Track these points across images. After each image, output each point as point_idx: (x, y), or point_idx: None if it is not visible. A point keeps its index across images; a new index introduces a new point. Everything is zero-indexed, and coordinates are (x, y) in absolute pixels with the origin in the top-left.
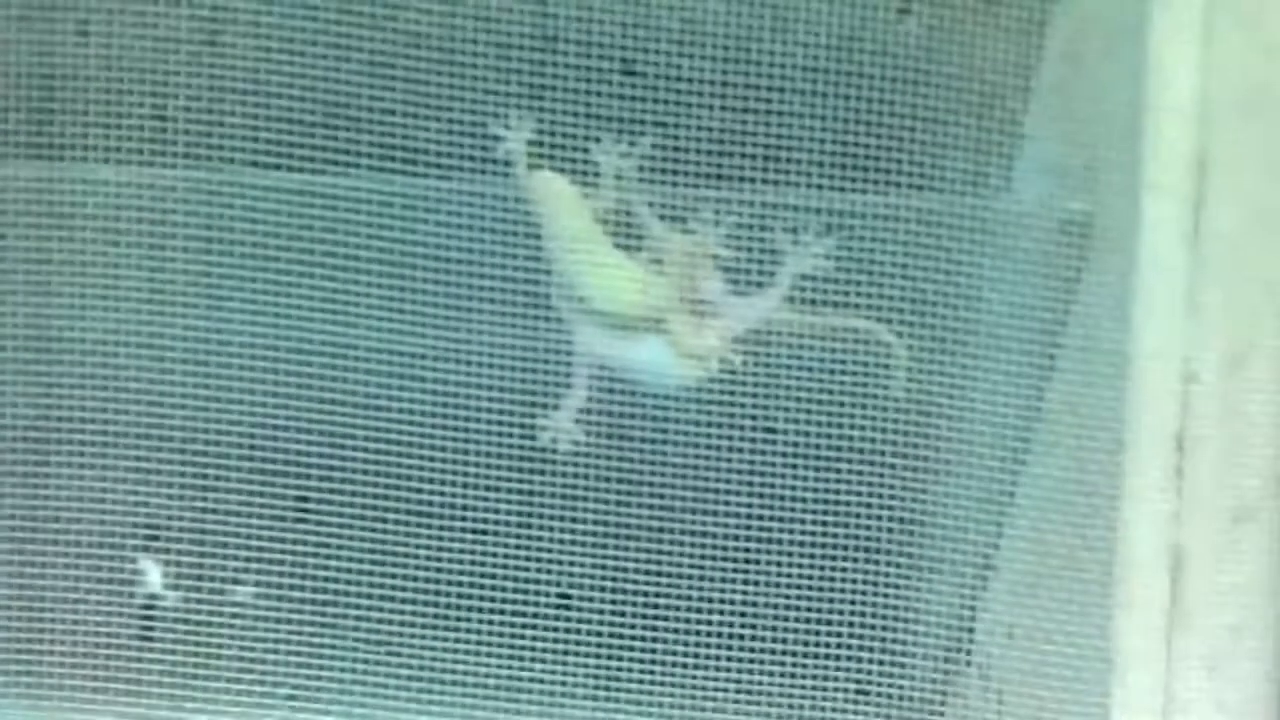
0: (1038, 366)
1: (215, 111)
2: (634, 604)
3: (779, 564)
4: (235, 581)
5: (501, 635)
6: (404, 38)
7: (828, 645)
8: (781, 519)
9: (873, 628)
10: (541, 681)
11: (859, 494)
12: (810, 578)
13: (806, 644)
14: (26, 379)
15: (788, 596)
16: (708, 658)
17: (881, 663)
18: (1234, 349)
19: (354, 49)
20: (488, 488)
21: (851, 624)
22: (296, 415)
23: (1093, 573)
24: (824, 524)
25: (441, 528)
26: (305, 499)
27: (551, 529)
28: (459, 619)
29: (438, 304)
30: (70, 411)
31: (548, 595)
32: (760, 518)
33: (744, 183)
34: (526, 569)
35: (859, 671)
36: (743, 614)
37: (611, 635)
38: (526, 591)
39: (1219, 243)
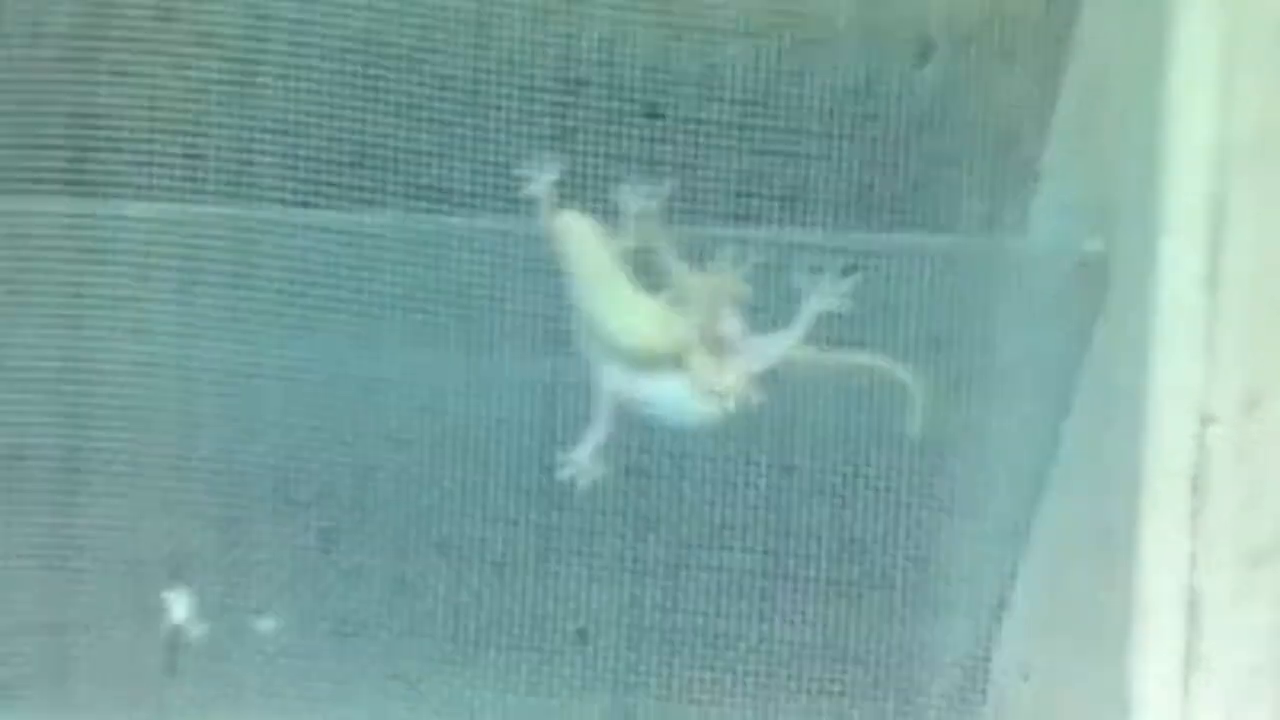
0: (1054, 406)
1: (248, 152)
2: (651, 639)
3: (795, 601)
4: (260, 613)
5: (520, 669)
6: (433, 80)
7: (843, 682)
8: (798, 556)
9: (888, 665)
10: (559, 715)
11: (875, 532)
12: (826, 615)
13: (822, 680)
14: (59, 411)
15: (804, 633)
16: (723, 693)
17: (897, 700)
18: (1251, 391)
19: (385, 91)
20: (509, 522)
21: (867, 661)
22: (322, 449)
23: (1109, 614)
24: (840, 561)
25: (463, 561)
26: (330, 532)
27: (571, 564)
28: (479, 651)
29: (463, 340)
30: (101, 443)
31: (566, 630)
32: (777, 554)
33: (764, 225)
34: (545, 603)
35: (874, 709)
36: (759, 650)
37: (628, 670)
38: (545, 626)
39: (1236, 285)
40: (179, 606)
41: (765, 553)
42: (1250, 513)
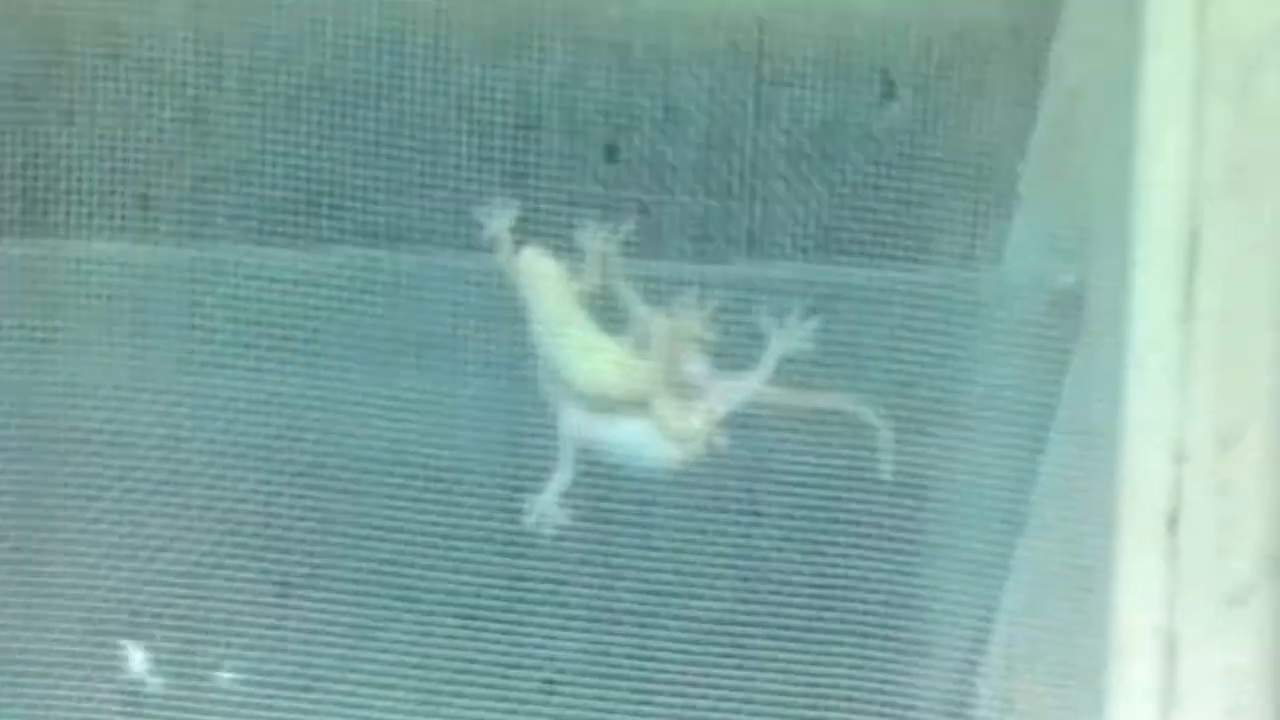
0: (1028, 443)
1: (200, 193)
2: (620, 688)
3: (767, 647)
4: (218, 666)
5: None
6: (388, 123)
7: None
8: (769, 601)
9: (865, 709)
10: None
11: (847, 575)
12: (800, 660)
13: None
14: (13, 459)
15: (777, 679)
16: None
17: None
18: (1226, 427)
19: (338, 133)
20: (472, 571)
21: (843, 706)
22: (277, 496)
23: (1087, 653)
24: (812, 605)
25: (426, 611)
26: (287, 583)
27: (537, 612)
28: (444, 703)
29: (423, 386)
30: (55, 495)
31: (533, 679)
32: (747, 600)
33: (727, 266)
34: (511, 653)
35: None
36: (731, 698)
37: None
38: (512, 676)
39: (1210, 320)
40: (136, 659)
41: (735, 599)
42: (1227, 551)
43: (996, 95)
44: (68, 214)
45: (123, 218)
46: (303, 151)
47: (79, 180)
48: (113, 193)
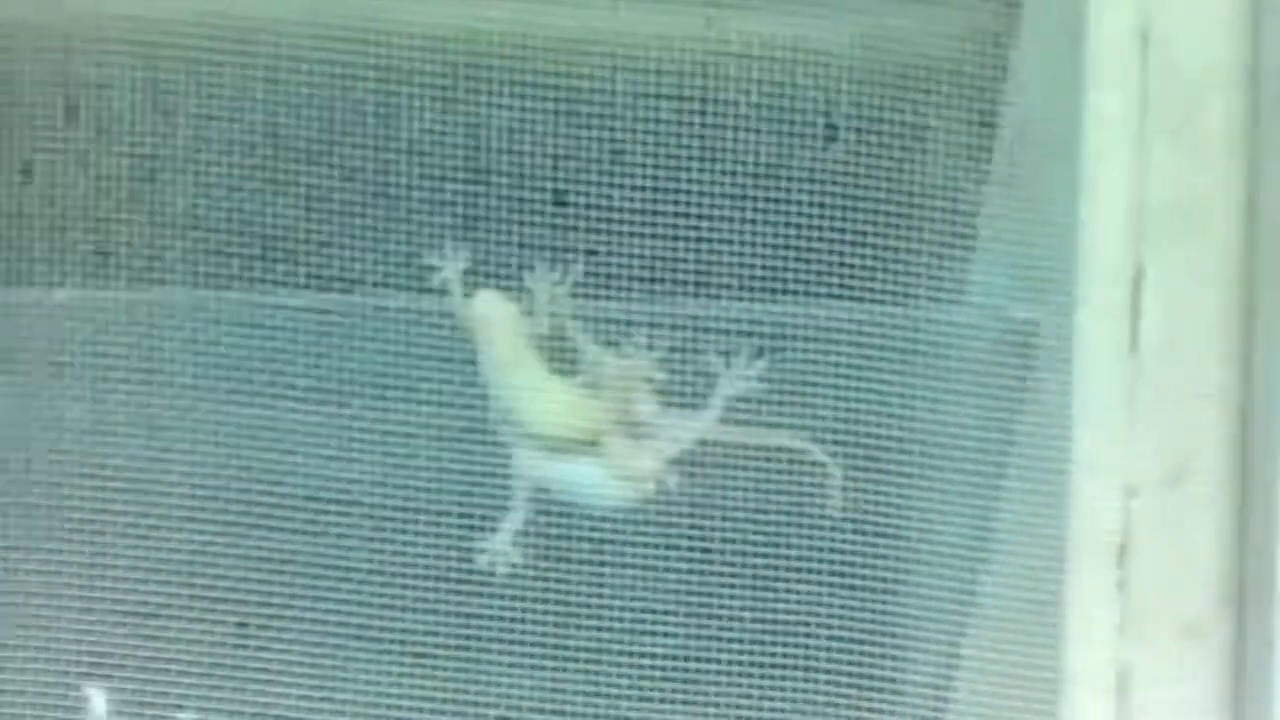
0: (984, 480)
1: (155, 245)
2: None
3: (720, 685)
4: (179, 707)
5: None
6: (340, 172)
7: None
8: (720, 640)
9: None
10: None
11: (798, 613)
12: (751, 697)
13: None
14: None
15: (730, 718)
16: None
17: None
18: (1175, 462)
19: (291, 183)
20: (426, 611)
21: None
22: (234, 539)
23: (1038, 691)
24: (763, 642)
25: (380, 652)
26: (245, 624)
27: (490, 650)
28: None
29: (377, 427)
30: (14, 540)
31: (486, 717)
32: (699, 637)
33: (675, 307)
34: (466, 692)
35: None
36: None
37: None
38: (466, 714)
39: (1157, 356)
40: (98, 703)
41: (687, 636)
42: (1178, 584)
43: (941, 135)
44: (24, 263)
45: (80, 265)
46: (256, 199)
47: (36, 231)
48: (69, 242)
